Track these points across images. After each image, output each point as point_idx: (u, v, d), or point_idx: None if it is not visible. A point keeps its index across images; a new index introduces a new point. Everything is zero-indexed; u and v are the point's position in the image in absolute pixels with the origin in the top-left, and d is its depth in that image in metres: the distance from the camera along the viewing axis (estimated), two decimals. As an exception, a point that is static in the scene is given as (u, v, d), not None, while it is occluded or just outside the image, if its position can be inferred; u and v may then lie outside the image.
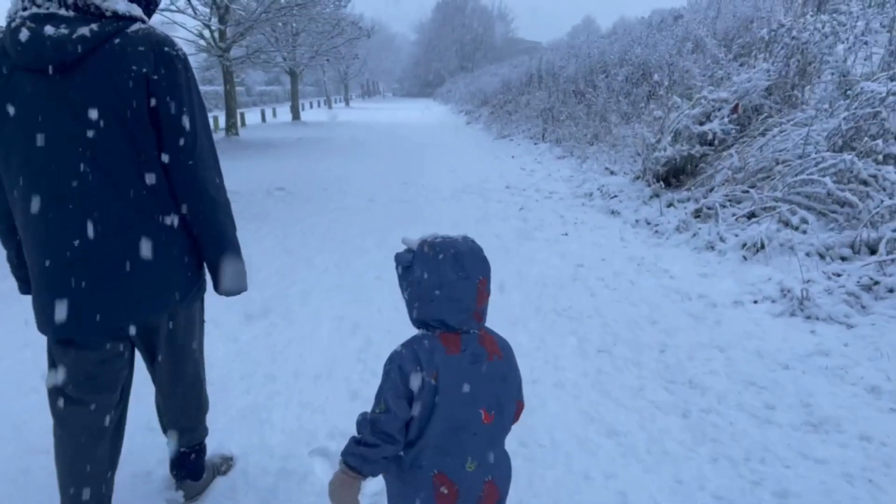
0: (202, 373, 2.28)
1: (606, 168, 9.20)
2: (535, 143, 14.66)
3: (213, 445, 2.55)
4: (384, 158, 13.57)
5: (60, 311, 1.75)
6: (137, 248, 1.77)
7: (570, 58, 18.40)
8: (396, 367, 1.42)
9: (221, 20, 16.98)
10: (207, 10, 16.93)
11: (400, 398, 1.41)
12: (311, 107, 47.43)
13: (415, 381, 1.39)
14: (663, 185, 7.34)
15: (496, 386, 1.48)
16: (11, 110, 1.67)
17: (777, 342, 3.57)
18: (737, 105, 6.91)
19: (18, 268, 1.98)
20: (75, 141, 1.68)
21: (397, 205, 8.28)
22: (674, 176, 7.51)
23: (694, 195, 6.72)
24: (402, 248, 1.53)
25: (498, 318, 2.00)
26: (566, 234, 6.47)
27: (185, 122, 1.78)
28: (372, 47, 57.18)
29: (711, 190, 6.57)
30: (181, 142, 1.78)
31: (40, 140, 1.67)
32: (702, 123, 7.16)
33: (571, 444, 2.66)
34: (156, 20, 2.31)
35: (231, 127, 18.30)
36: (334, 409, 3.00)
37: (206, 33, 17.13)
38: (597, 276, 5.00)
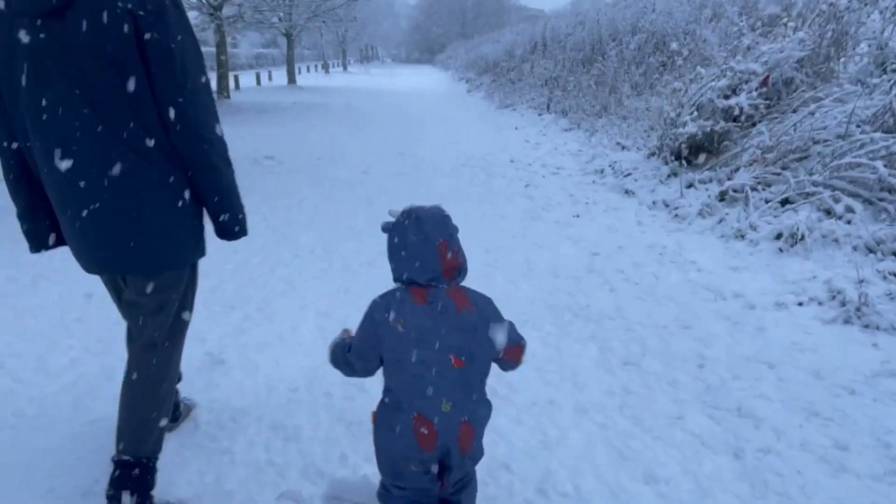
0: (166, 375, 2.06)
1: (618, 143, 8.60)
2: (540, 114, 14.00)
3: (158, 486, 2.03)
4: (381, 127, 12.92)
5: (74, 251, 1.93)
6: (129, 193, 1.78)
7: (576, 25, 17.62)
8: (370, 312, 1.66)
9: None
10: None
11: (368, 338, 1.65)
12: (308, 71, 46.34)
13: (375, 324, 1.63)
14: (682, 164, 6.77)
15: (466, 335, 1.61)
16: (15, 57, 1.70)
17: (835, 358, 3.04)
18: (767, 77, 6.31)
19: (27, 220, 1.98)
20: (73, 84, 1.69)
21: (393, 178, 7.69)
22: (693, 153, 6.92)
23: (717, 175, 6.16)
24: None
25: (507, 315, 1.74)
26: (577, 216, 5.92)
27: (175, 57, 1.73)
28: (371, 11, 55.81)
29: (737, 170, 6.00)
30: (170, 78, 1.74)
31: (41, 86, 1.70)
32: (727, 97, 6.56)
33: (602, 495, 2.15)
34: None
35: (223, 89, 17.54)
36: (312, 435, 2.48)
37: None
38: (615, 268, 4.46)
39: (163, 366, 2.03)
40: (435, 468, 1.63)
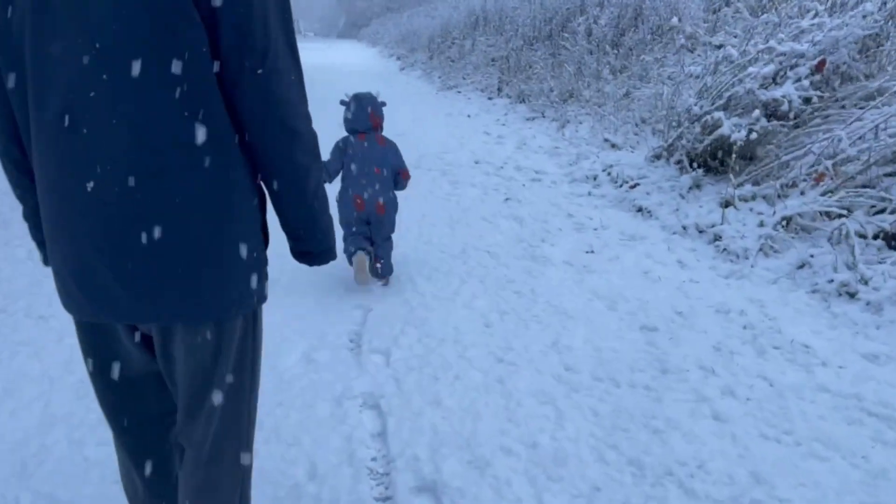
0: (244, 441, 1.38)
1: (606, 139, 7.05)
2: (490, 98, 12.35)
3: None
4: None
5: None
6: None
7: (523, -2, 16.01)
8: (336, 145, 3.61)
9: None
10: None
11: (335, 158, 3.57)
12: (224, 45, 43.04)
13: (340, 150, 3.59)
14: (706, 172, 5.30)
15: (381, 157, 3.58)
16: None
17: None
18: (822, 62, 4.86)
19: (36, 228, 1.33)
20: (91, 40, 1.05)
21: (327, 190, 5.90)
22: (713, 156, 5.44)
23: (763, 191, 4.70)
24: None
25: None
26: (591, 252, 4.34)
27: (254, 12, 1.10)
28: (291, -19, 52.46)
29: (792, 185, 4.56)
30: (246, 41, 1.11)
31: (54, 44, 1.07)
32: (766, 88, 5.09)
33: None
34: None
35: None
36: None
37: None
38: (695, 362, 2.88)
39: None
40: (365, 221, 3.62)
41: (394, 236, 3.83)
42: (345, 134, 3.64)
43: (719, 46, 6.40)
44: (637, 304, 3.47)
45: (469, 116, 10.46)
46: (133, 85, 1.06)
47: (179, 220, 1.14)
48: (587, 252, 4.32)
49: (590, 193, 5.77)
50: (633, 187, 5.58)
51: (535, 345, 3.03)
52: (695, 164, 5.36)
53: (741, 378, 2.73)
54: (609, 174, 6.09)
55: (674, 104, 6.04)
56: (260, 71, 1.14)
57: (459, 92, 13.92)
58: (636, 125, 7.16)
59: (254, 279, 1.26)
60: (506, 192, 5.83)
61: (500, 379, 2.72)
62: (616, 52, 9.37)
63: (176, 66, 1.06)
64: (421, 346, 3.04)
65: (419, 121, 9.96)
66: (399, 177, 3.70)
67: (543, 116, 9.59)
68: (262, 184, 1.30)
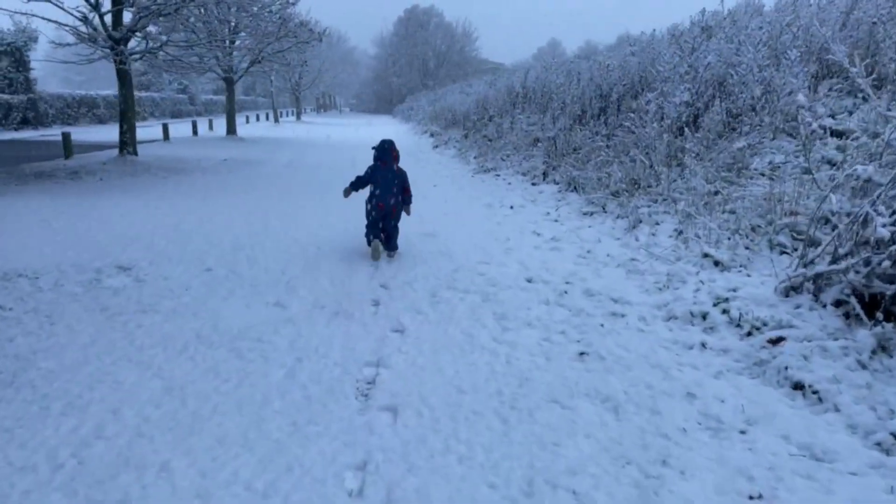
0: None
1: (707, 255, 5.23)
2: (535, 184, 10.71)
3: None
4: (324, 199, 9.41)
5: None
6: None
7: (568, 73, 14.61)
8: (369, 167, 6.05)
9: (116, 0, 12.60)
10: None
11: (367, 176, 6.03)
12: (258, 120, 42.91)
13: (370, 171, 6.00)
14: (880, 321, 3.44)
15: (396, 179, 5.99)
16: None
17: None
18: None
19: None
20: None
21: (325, 328, 4.14)
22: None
23: None
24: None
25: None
26: (759, 498, 2.46)
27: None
28: (329, 59, 53.00)
29: None
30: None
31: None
32: None
33: None
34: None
35: (127, 143, 13.79)
36: None
37: (95, 19, 12.68)
38: None
39: None
40: (381, 217, 5.96)
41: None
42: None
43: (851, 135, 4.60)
44: None
45: (512, 208, 8.78)
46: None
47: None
48: (750, 499, 2.44)
49: (704, 345, 3.91)
50: (775, 343, 3.71)
51: None
52: (865, 311, 3.50)
53: None
54: (725, 312, 4.24)
55: (799, 207, 4.22)
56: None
57: (498, 175, 12.35)
58: (745, 235, 5.34)
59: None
60: (579, 339, 4.02)
61: None
62: (696, 135, 7.66)
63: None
64: None
65: (453, 214, 8.29)
66: (404, 193, 6.09)
67: (605, 211, 7.86)
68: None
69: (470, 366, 3.62)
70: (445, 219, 7.94)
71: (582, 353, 3.82)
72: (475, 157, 15.27)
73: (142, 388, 3.26)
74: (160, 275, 5.28)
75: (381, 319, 4.40)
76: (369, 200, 5.90)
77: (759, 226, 5.37)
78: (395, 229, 6.07)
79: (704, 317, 4.29)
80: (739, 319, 4.09)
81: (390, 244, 5.99)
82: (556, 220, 7.83)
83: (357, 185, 6.08)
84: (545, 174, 10.96)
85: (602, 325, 4.27)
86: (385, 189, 5.85)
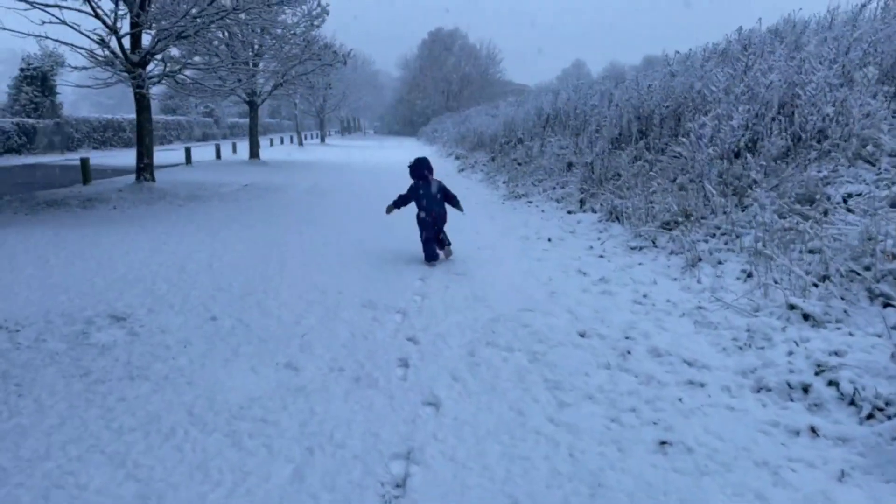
0: None
1: (793, 306, 4.43)
2: (571, 213, 9.97)
3: None
4: (348, 230, 8.77)
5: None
6: None
7: (603, 96, 13.90)
8: (410, 187, 6.89)
9: (135, 23, 12.20)
10: (112, 4, 12.12)
11: (410, 193, 6.88)
12: (283, 143, 42.81)
13: (412, 190, 6.87)
14: None
15: (437, 191, 6.87)
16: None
17: None
18: None
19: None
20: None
21: (345, 400, 3.42)
22: None
23: None
24: None
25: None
26: None
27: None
28: (353, 81, 52.89)
29: None
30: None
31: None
32: None
33: None
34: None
35: (143, 169, 13.33)
36: None
37: (113, 42, 12.28)
38: None
39: None
40: (432, 225, 6.82)
41: None
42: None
43: None
44: None
45: (550, 241, 8.04)
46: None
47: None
48: None
49: (815, 431, 3.12)
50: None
51: None
52: None
53: None
54: (832, 384, 3.44)
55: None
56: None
57: (530, 202, 11.63)
58: (836, 282, 4.53)
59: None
60: (655, 421, 3.25)
61: None
62: (759, 162, 6.86)
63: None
64: None
65: (486, 248, 7.58)
66: (448, 200, 6.99)
67: (655, 245, 7.09)
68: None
69: (524, 461, 2.88)
70: (479, 254, 7.22)
71: (663, 443, 3.05)
72: (504, 182, 14.57)
73: (108, 497, 2.56)
74: (157, 326, 4.62)
75: (410, 388, 3.68)
76: (419, 214, 6.76)
77: (853, 270, 4.56)
78: (444, 233, 7.01)
79: (806, 389, 3.49)
80: (854, 395, 3.30)
81: (444, 239, 6.96)
82: (601, 256, 7.07)
83: (399, 203, 6.95)
84: (582, 202, 10.21)
85: (680, 400, 3.49)
86: (430, 200, 6.73)
